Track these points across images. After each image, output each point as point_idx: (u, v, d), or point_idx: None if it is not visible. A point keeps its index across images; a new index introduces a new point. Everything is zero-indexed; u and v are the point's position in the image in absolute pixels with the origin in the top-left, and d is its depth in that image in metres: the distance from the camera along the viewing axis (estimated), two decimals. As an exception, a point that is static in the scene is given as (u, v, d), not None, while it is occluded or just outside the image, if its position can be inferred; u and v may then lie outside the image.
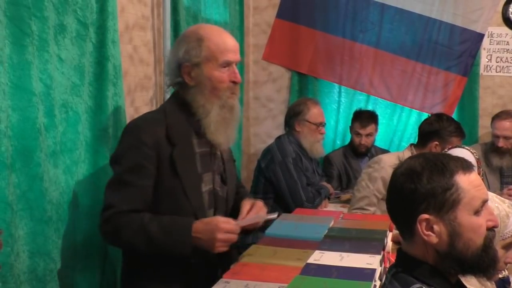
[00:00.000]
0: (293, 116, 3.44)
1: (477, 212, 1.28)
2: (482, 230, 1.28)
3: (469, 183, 1.28)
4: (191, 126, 1.91)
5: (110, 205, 1.81)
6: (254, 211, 1.98)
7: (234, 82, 1.91)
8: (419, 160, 1.32)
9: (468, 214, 1.27)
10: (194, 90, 1.90)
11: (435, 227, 1.27)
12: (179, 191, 1.86)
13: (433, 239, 1.27)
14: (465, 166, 1.30)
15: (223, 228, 1.78)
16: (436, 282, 1.29)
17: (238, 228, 1.83)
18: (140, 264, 1.91)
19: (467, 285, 1.43)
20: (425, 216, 1.27)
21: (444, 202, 1.26)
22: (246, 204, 2.01)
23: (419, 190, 1.27)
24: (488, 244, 1.29)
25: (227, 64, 1.89)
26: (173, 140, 1.86)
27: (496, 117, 3.74)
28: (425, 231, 1.28)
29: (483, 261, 1.28)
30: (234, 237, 1.81)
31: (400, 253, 1.38)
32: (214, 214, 1.97)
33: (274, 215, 2.03)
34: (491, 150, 3.72)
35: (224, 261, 1.97)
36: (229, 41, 1.91)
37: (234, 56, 1.91)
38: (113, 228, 1.81)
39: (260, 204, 2.04)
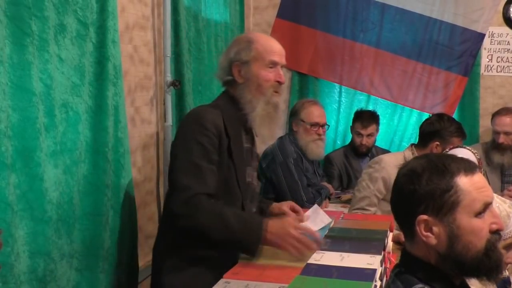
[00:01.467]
0: (291, 116, 3.45)
1: (478, 215, 1.26)
2: (483, 233, 1.26)
3: (470, 184, 1.26)
4: (240, 121, 2.04)
5: (187, 187, 1.88)
6: (301, 212, 2.13)
7: (279, 82, 2.06)
8: (422, 161, 1.32)
9: (468, 217, 1.25)
10: (242, 86, 2.05)
11: (434, 228, 1.26)
12: (233, 181, 2.01)
13: (432, 240, 1.27)
14: (468, 167, 1.29)
15: (296, 225, 1.86)
16: (438, 283, 1.29)
17: (309, 229, 1.88)
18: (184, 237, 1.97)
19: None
20: (424, 217, 1.26)
21: (442, 204, 1.25)
22: (285, 208, 2.19)
23: (418, 191, 1.27)
24: (490, 247, 1.26)
25: (273, 64, 2.04)
26: (229, 132, 1.99)
27: (496, 114, 3.74)
28: (423, 232, 1.27)
29: (484, 265, 1.26)
30: (306, 239, 1.79)
31: (404, 253, 1.37)
32: (250, 206, 2.13)
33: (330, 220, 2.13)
34: (492, 147, 3.72)
35: None
36: (276, 45, 2.09)
37: (280, 58, 2.07)
38: (191, 210, 1.87)
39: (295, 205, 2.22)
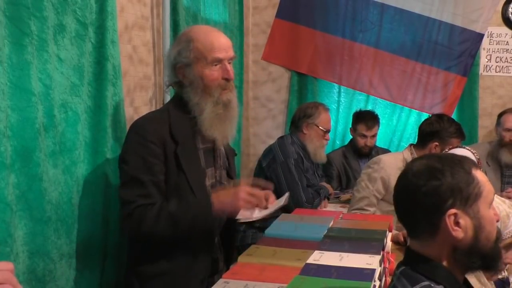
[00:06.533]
0: (302, 118, 3.43)
1: (490, 205, 1.32)
2: (495, 222, 1.32)
3: (482, 177, 1.32)
4: (194, 123, 1.97)
5: (129, 201, 1.87)
6: (272, 198, 2.04)
7: (226, 79, 1.96)
8: (433, 159, 1.34)
9: (486, 207, 1.31)
10: (189, 89, 1.97)
11: (461, 221, 1.28)
12: (185, 186, 1.92)
13: (459, 234, 1.28)
14: (474, 162, 1.35)
15: (244, 188, 1.89)
16: (445, 281, 1.30)
17: (259, 193, 1.91)
18: (147, 251, 1.96)
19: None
20: (453, 210, 1.28)
21: (468, 195, 1.28)
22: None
23: (444, 185, 1.28)
24: (499, 237, 1.33)
25: (217, 61, 1.94)
26: (176, 137, 1.93)
27: (504, 113, 3.78)
28: (454, 227, 1.28)
29: (497, 254, 1.32)
30: (254, 200, 1.88)
31: (410, 252, 1.38)
32: None
33: (286, 195, 2.08)
34: (499, 146, 3.72)
35: (227, 257, 2.08)
36: (218, 40, 1.96)
37: (224, 54, 1.95)
38: (135, 222, 1.86)
39: (270, 193, 2.10)
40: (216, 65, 1.94)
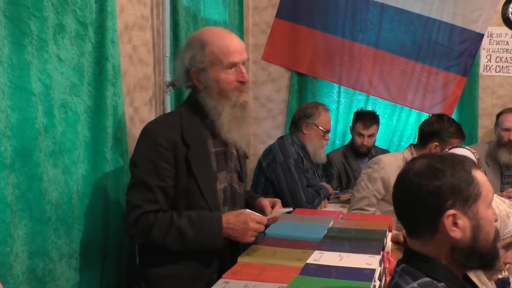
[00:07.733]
0: (302, 118, 3.42)
1: (489, 205, 1.32)
2: (494, 222, 1.32)
3: (482, 177, 1.32)
4: (206, 127, 1.98)
5: (136, 205, 1.87)
6: (278, 206, 2.07)
7: (242, 82, 1.95)
8: (435, 158, 1.34)
9: (486, 207, 1.31)
10: (204, 93, 1.97)
11: (459, 222, 1.28)
12: (195, 190, 1.93)
13: (457, 234, 1.29)
14: (474, 162, 1.35)
15: (254, 218, 1.90)
16: (448, 279, 1.31)
17: (265, 220, 1.94)
18: (155, 253, 1.96)
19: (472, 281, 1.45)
20: (452, 211, 1.28)
21: (468, 196, 1.29)
22: (266, 202, 2.11)
23: (445, 185, 1.28)
24: (496, 236, 1.33)
25: (233, 65, 1.93)
26: (188, 141, 1.92)
27: (502, 113, 3.78)
28: (452, 227, 1.28)
29: (496, 254, 1.33)
30: (262, 227, 1.92)
31: (409, 251, 1.38)
32: (232, 210, 2.03)
33: (290, 209, 2.11)
34: (498, 146, 3.72)
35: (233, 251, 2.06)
36: (232, 43, 1.95)
37: (239, 57, 1.94)
38: (142, 229, 1.87)
39: (279, 201, 2.13)
40: (231, 68, 1.93)
